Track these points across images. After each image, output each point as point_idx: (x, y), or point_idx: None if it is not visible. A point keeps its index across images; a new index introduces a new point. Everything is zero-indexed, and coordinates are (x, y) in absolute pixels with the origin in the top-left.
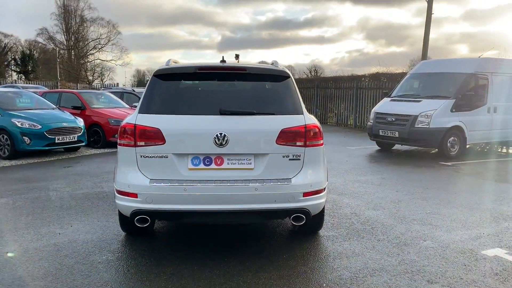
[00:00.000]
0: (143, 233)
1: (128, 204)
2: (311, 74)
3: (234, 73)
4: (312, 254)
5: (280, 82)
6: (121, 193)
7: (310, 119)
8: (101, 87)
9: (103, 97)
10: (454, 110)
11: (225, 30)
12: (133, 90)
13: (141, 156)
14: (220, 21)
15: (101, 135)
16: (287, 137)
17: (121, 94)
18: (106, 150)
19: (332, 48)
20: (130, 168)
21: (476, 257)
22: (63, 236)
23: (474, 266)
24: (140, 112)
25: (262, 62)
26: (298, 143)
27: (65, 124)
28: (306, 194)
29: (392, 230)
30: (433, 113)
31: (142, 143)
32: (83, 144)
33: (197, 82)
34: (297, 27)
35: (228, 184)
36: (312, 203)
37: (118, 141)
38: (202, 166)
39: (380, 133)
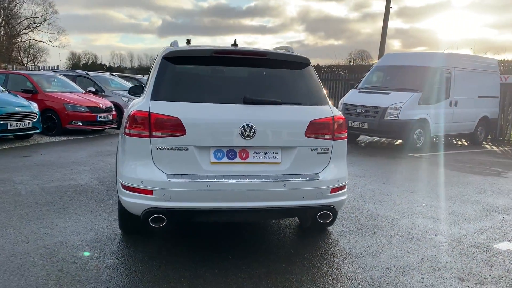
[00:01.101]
0: (144, 232)
1: (140, 202)
2: None
3: (253, 58)
4: (332, 252)
5: (301, 70)
6: (131, 189)
7: (336, 110)
8: (38, 70)
9: (56, 80)
10: (421, 103)
11: (166, 14)
12: (87, 74)
13: (156, 149)
14: (160, 5)
15: (56, 122)
16: (316, 129)
17: (74, 78)
18: (63, 138)
19: (274, 39)
20: (142, 161)
21: (491, 252)
22: (51, 237)
23: (494, 261)
24: (153, 98)
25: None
26: (326, 136)
27: (18, 109)
28: (333, 190)
29: (399, 224)
30: (402, 105)
31: (158, 134)
32: (38, 131)
33: (213, 67)
34: (240, 15)
35: (255, 180)
36: (338, 199)
37: (126, 130)
38: (225, 159)
39: (349, 124)
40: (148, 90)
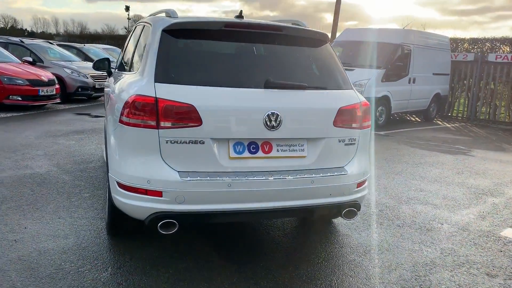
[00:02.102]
0: (135, 235)
1: (146, 205)
2: None
3: (268, 34)
4: (349, 248)
5: (319, 48)
6: (133, 189)
7: (360, 95)
8: None
9: None
10: (384, 80)
11: None
12: (21, 41)
13: (166, 142)
14: None
15: None
16: (344, 117)
17: (5, 45)
18: (1, 115)
19: (209, 7)
20: (148, 157)
21: (502, 241)
22: (22, 244)
23: (510, 251)
24: (158, 80)
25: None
26: (353, 125)
27: None
28: (359, 184)
29: (401, 212)
30: (367, 82)
31: (168, 124)
32: None
33: (224, 43)
34: None
35: (280, 177)
36: (362, 194)
37: (124, 118)
38: (246, 154)
39: None
40: (146, 68)
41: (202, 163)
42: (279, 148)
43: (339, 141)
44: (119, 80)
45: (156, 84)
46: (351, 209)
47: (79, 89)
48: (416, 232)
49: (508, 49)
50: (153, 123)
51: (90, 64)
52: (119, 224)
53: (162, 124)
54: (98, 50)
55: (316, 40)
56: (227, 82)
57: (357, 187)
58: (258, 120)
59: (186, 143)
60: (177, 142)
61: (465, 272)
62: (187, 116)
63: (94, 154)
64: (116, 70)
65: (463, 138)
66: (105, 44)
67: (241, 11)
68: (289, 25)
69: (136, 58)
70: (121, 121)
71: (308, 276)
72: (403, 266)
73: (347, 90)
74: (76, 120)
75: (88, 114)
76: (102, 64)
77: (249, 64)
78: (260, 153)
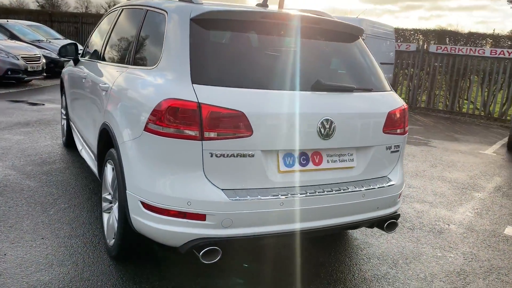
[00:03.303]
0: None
1: (184, 231)
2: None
3: (306, 27)
4: (377, 260)
5: (353, 43)
6: (166, 212)
7: (399, 97)
8: None
9: None
10: None
11: None
12: None
13: (211, 155)
14: None
15: None
16: (392, 122)
17: None
18: None
19: None
20: (188, 173)
21: (511, 242)
22: (10, 279)
23: None
24: (195, 81)
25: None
26: (398, 131)
27: None
28: (400, 195)
29: (403, 213)
30: None
31: (214, 135)
32: None
33: (261, 37)
34: None
35: (333, 192)
36: (400, 205)
37: (155, 127)
38: (297, 166)
39: None
40: (174, 66)
41: (250, 179)
42: (329, 159)
43: (387, 149)
44: (123, 74)
45: (195, 86)
46: (393, 221)
47: (9, 72)
48: (430, 235)
49: (447, 41)
50: (195, 133)
51: (20, 44)
52: (132, 249)
53: (206, 134)
54: (23, 27)
55: (350, 34)
56: (273, 84)
57: (398, 198)
58: (312, 128)
59: (233, 156)
60: (223, 156)
61: (497, 280)
62: (235, 125)
63: (53, 152)
64: (87, 58)
65: (415, 128)
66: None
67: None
68: (324, 17)
69: (142, 50)
70: (148, 130)
71: None
72: (437, 277)
73: (389, 91)
74: (14, 110)
75: (25, 102)
76: (68, 50)
77: (291, 62)
78: (310, 165)
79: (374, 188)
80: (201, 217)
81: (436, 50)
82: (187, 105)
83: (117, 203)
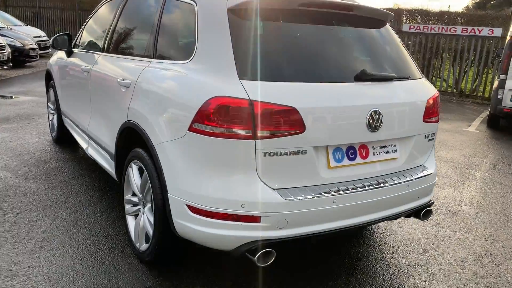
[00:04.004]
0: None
1: (237, 234)
2: None
3: (340, 14)
4: (406, 247)
5: (381, 29)
6: (218, 215)
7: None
8: None
9: None
10: None
11: None
12: None
13: (264, 155)
14: None
15: None
16: (429, 110)
17: None
18: None
19: None
20: (241, 174)
21: None
22: None
23: None
24: (242, 76)
25: None
26: (433, 118)
27: None
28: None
29: None
30: None
31: (267, 133)
32: None
33: (300, 26)
34: None
35: (381, 184)
36: (433, 192)
37: (202, 127)
38: (346, 161)
39: None
40: (215, 59)
41: (301, 177)
42: (375, 152)
43: (425, 138)
44: (148, 69)
45: (243, 81)
46: (429, 209)
47: None
48: (446, 218)
49: (419, 20)
50: (248, 132)
51: None
52: (170, 254)
53: (259, 133)
54: None
55: (379, 20)
56: (320, 76)
57: (434, 185)
58: (361, 120)
59: (287, 154)
60: (276, 155)
61: None
62: (288, 121)
63: (44, 149)
64: (84, 49)
65: None
66: None
67: None
68: (355, 3)
69: (167, 42)
70: (194, 130)
71: (392, 284)
72: (467, 260)
73: (422, 78)
74: None
75: None
76: (61, 42)
77: (333, 52)
78: (358, 159)
79: (417, 178)
80: (256, 219)
81: (409, 29)
82: (238, 103)
83: (148, 206)
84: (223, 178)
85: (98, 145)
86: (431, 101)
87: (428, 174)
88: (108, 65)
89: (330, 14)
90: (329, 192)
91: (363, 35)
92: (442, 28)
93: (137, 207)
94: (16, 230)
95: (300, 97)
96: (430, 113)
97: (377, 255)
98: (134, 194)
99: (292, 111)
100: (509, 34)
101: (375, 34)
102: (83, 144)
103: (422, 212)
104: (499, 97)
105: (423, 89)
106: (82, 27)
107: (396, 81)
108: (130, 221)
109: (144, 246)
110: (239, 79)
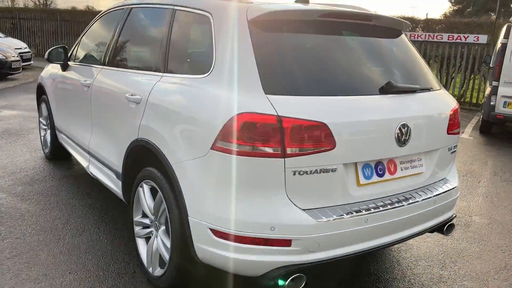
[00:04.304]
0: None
1: (266, 259)
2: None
3: (358, 24)
4: (427, 262)
5: (398, 38)
6: (245, 240)
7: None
8: None
9: None
10: None
11: None
12: None
13: (293, 174)
14: None
15: None
16: (452, 122)
17: None
18: None
19: None
20: (269, 195)
21: None
22: None
23: None
24: (268, 91)
25: None
26: (455, 130)
27: None
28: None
29: None
30: None
31: (296, 150)
32: None
33: (320, 36)
34: None
35: (410, 201)
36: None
37: (226, 145)
38: (375, 178)
39: None
40: (237, 74)
41: (330, 196)
42: (402, 167)
43: (448, 150)
44: (160, 84)
45: (269, 96)
46: (452, 223)
47: None
48: (460, 229)
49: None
50: (276, 150)
51: None
52: (187, 279)
53: (289, 151)
54: None
55: (397, 30)
56: (344, 89)
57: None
58: (390, 134)
59: (317, 172)
60: (306, 173)
61: None
62: (318, 137)
63: (37, 167)
64: (82, 63)
65: None
66: None
67: None
68: (373, 12)
69: (180, 55)
70: (217, 148)
71: None
72: (489, 274)
73: (441, 89)
74: None
75: None
76: (57, 55)
77: (358, 64)
78: (386, 175)
79: (443, 193)
80: (287, 242)
81: (409, 38)
82: (266, 119)
83: (162, 228)
84: (250, 199)
85: (102, 163)
86: (453, 113)
87: (453, 188)
88: (113, 79)
89: (349, 24)
90: (360, 212)
91: (381, 46)
92: (429, 35)
93: (149, 230)
94: (17, 257)
95: (329, 111)
96: (453, 125)
97: (397, 272)
98: (144, 216)
99: (322, 126)
100: (499, 41)
101: (393, 44)
102: (82, 161)
103: (445, 227)
104: (492, 103)
105: (445, 101)
106: (78, 40)
107: (419, 92)
108: (141, 244)
109: (158, 271)
110: (265, 94)
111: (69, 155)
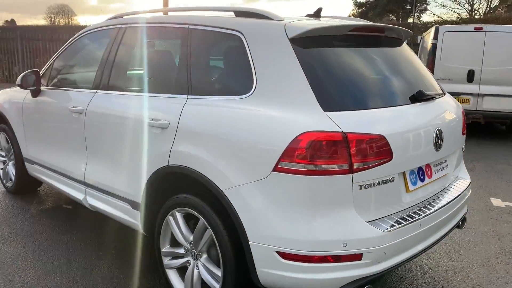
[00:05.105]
0: None
1: (338, 275)
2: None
3: (377, 36)
4: (456, 263)
5: (403, 47)
6: (316, 259)
7: None
8: None
9: None
10: None
11: None
12: None
13: (360, 188)
14: None
15: None
16: (463, 123)
17: None
18: None
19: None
20: (338, 211)
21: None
22: None
23: None
24: (326, 108)
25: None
26: (464, 130)
27: None
28: None
29: None
30: None
31: (362, 165)
32: None
33: (352, 50)
34: None
35: (447, 201)
36: None
37: (292, 166)
38: (419, 183)
39: None
40: (287, 91)
41: (387, 205)
42: (435, 170)
43: (461, 149)
44: (191, 107)
45: (328, 113)
46: (465, 217)
47: None
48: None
49: None
50: (344, 166)
51: None
52: None
53: (355, 166)
54: None
55: (400, 39)
56: (386, 100)
57: None
58: (430, 140)
59: (379, 184)
60: (370, 186)
61: None
62: (379, 150)
63: (4, 204)
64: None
65: None
66: None
67: (320, 8)
68: (389, 25)
69: (208, 76)
70: (281, 169)
71: None
72: (491, 259)
73: (446, 94)
74: None
75: None
76: (29, 80)
77: (387, 74)
78: (426, 180)
79: (465, 190)
80: (358, 257)
81: None
82: (332, 137)
83: (204, 256)
84: (319, 217)
85: (108, 194)
86: (463, 114)
87: (469, 184)
88: (118, 104)
89: (373, 37)
90: (413, 217)
91: (396, 55)
92: None
93: (184, 259)
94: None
95: (383, 123)
96: (464, 126)
97: (416, 269)
98: (174, 245)
99: (381, 138)
100: (430, 41)
101: (402, 52)
102: (75, 194)
103: (461, 221)
104: None
105: (455, 104)
106: (50, 62)
107: (438, 98)
108: (173, 275)
109: None
110: (324, 111)
111: (35, 188)
